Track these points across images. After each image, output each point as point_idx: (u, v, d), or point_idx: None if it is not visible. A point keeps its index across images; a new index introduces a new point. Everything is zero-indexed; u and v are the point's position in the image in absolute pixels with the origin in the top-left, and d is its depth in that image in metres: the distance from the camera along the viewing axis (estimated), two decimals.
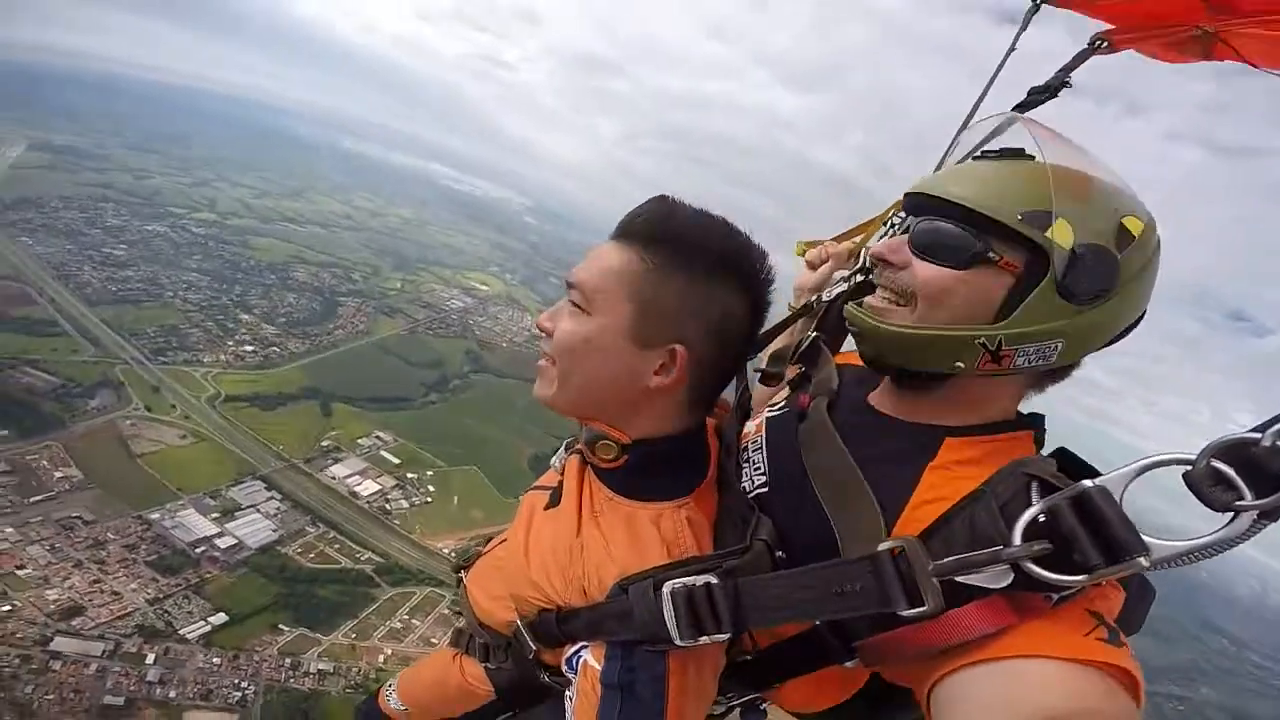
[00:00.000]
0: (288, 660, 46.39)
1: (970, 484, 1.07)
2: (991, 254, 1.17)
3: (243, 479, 62.28)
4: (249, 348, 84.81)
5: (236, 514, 57.35)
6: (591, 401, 1.36)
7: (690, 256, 1.24)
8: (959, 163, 1.46)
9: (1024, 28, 1.83)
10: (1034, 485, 0.96)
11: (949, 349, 1.22)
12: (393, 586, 56.89)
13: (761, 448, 1.56)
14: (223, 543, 53.09)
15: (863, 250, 1.84)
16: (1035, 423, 1.32)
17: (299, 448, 69.99)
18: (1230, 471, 0.77)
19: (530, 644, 1.52)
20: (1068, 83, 1.78)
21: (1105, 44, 1.80)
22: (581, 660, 1.29)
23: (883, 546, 1.01)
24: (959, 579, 0.94)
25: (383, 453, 73.99)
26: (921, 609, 0.94)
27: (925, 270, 1.24)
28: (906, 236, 1.31)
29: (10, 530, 46.85)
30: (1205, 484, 0.78)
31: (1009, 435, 1.27)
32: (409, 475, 71.79)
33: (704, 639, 1.12)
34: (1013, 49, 1.88)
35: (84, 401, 63.65)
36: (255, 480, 62.76)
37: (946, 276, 1.21)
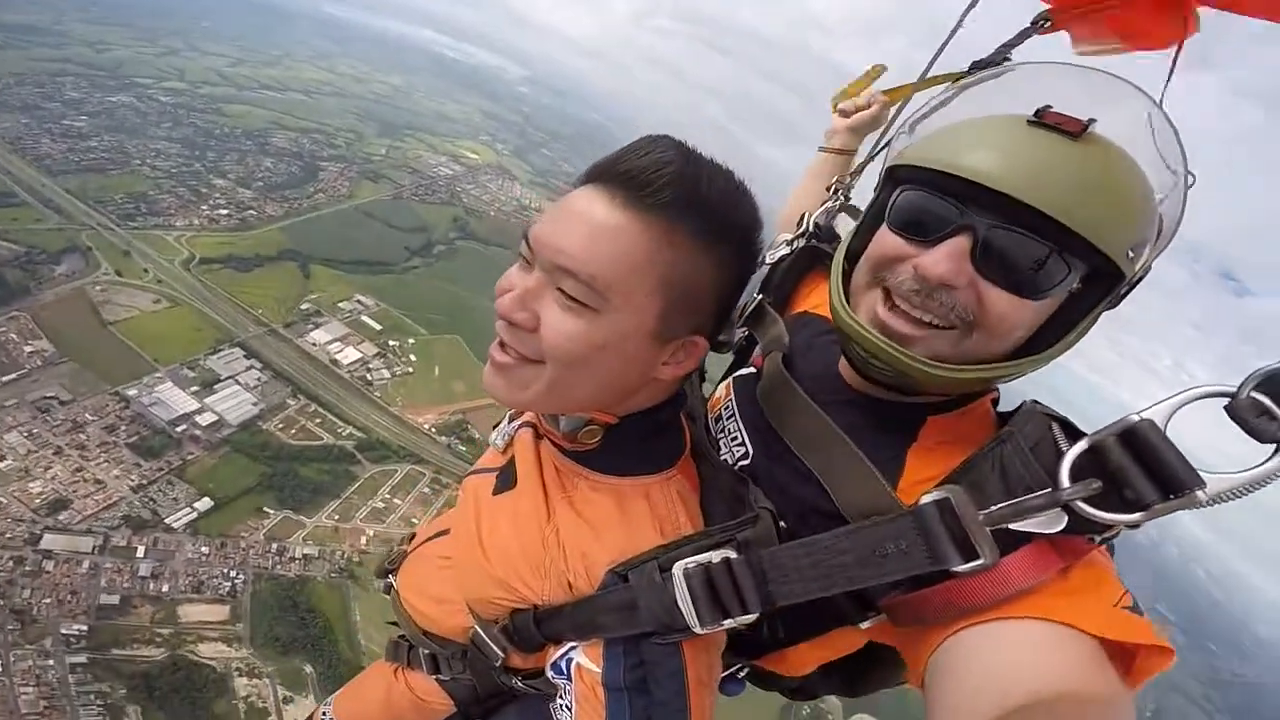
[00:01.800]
0: (274, 546, 44.49)
1: (955, 457, 0.99)
2: (1075, 285, 0.97)
3: (221, 346, 57.93)
4: (223, 211, 78.17)
5: (216, 386, 53.54)
6: (585, 404, 1.08)
7: (720, 234, 0.96)
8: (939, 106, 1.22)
9: (974, 3, 1.66)
10: (1054, 426, 0.90)
11: (989, 381, 1.06)
12: (374, 464, 54.40)
13: (735, 414, 1.38)
14: (203, 419, 49.73)
15: (806, 215, 1.70)
16: (991, 387, 1.18)
17: (278, 312, 65.24)
18: (1270, 403, 0.71)
19: (496, 651, 1.26)
20: (1008, 58, 1.55)
21: (1048, 23, 1.61)
22: (574, 664, 1.07)
23: (926, 499, 0.88)
24: (1010, 526, 0.84)
25: (364, 318, 69.46)
26: (979, 562, 0.83)
27: (1003, 303, 0.97)
28: (965, 245, 0.97)
29: None
30: (1250, 415, 0.72)
31: (976, 404, 1.16)
32: (391, 343, 67.68)
33: (727, 622, 0.94)
34: (961, 22, 1.70)
35: (50, 269, 57.95)
36: (233, 348, 58.41)
37: (1023, 310, 0.98)
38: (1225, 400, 0.74)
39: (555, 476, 1.18)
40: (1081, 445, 0.81)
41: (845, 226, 1.66)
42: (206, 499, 44.90)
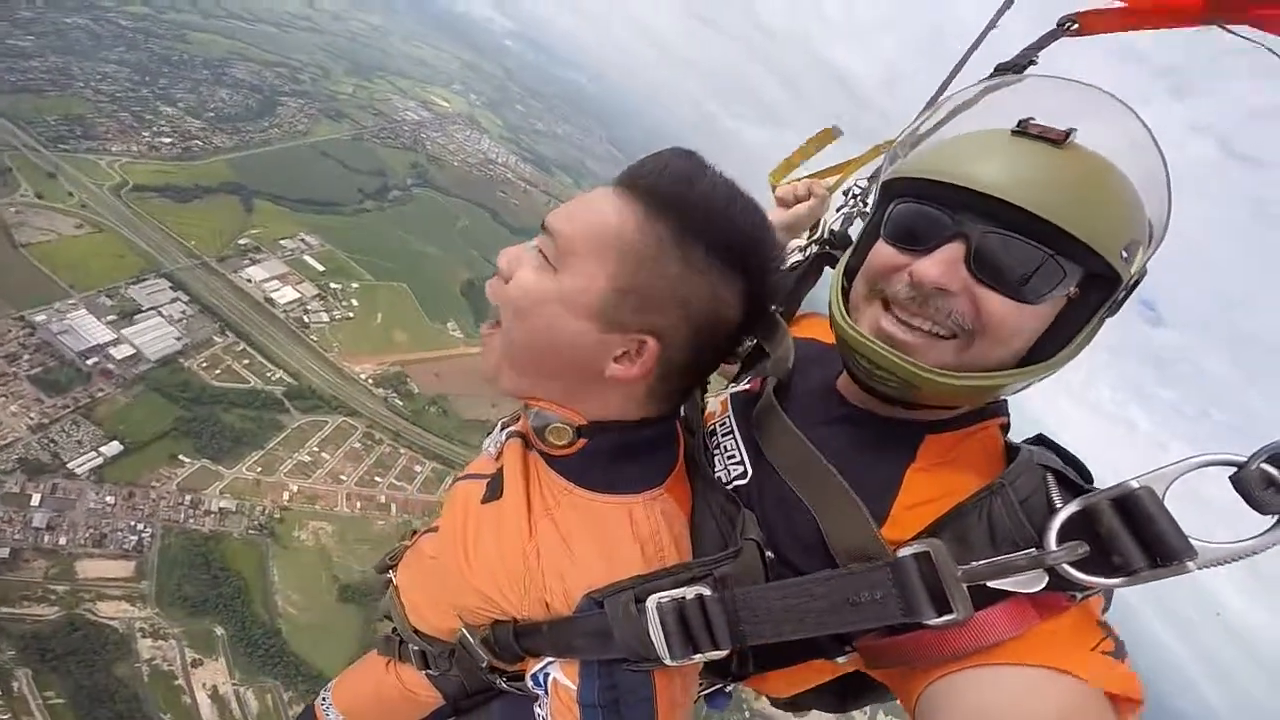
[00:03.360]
0: (187, 498, 40.38)
1: (955, 482, 0.99)
2: (1073, 288, 0.94)
3: (145, 276, 52.85)
4: (166, 139, 72.12)
5: (136, 317, 48.45)
6: (535, 373, 1.04)
7: (698, 236, 0.91)
8: (941, 121, 1.18)
9: (1007, 6, 1.60)
10: (1049, 479, 0.87)
11: (995, 389, 1.01)
12: (303, 414, 50.19)
13: (732, 430, 1.31)
14: (118, 352, 44.67)
15: (821, 221, 1.65)
16: (1002, 410, 1.13)
17: (213, 244, 60.20)
18: (1278, 474, 0.69)
19: (481, 655, 1.24)
20: (1034, 61, 1.43)
21: (1075, 25, 1.51)
22: (550, 678, 1.05)
23: (905, 552, 0.86)
24: (990, 584, 0.82)
25: (306, 257, 64.73)
26: (950, 616, 0.81)
27: (1001, 308, 0.93)
28: (959, 251, 0.95)
29: None
30: (1257, 487, 0.70)
31: (981, 425, 1.09)
32: (332, 285, 63.09)
33: (698, 657, 0.93)
34: (992, 25, 1.65)
35: None
36: (159, 278, 53.36)
37: (1022, 315, 0.94)
38: (1231, 470, 0.72)
39: (540, 490, 1.11)
40: (1073, 507, 0.79)
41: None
42: (115, 443, 40.28)
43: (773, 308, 1.37)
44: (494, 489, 1.17)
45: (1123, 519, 0.75)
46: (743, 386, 1.42)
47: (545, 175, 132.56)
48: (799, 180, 1.73)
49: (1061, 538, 0.78)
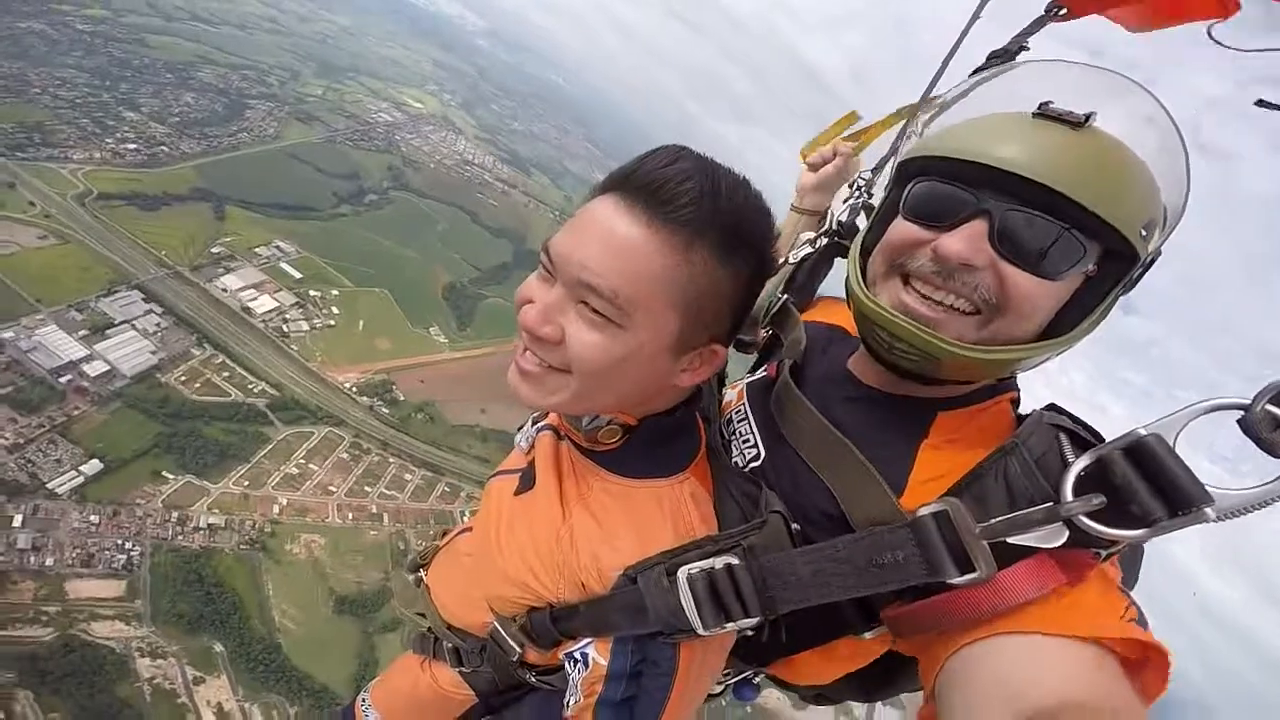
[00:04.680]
0: (174, 514, 38.87)
1: (968, 456, 0.97)
2: (1091, 265, 0.94)
3: (116, 288, 50.07)
4: (131, 146, 68.43)
5: (108, 331, 45.85)
6: (604, 403, 1.06)
7: (735, 248, 0.94)
8: (949, 102, 1.21)
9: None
10: (1062, 437, 0.87)
11: (1015, 363, 1.02)
12: (288, 425, 48.38)
13: (747, 417, 1.34)
14: (92, 369, 42.37)
15: (829, 213, 1.66)
16: (1012, 385, 1.14)
17: (185, 254, 57.36)
18: None
19: (514, 646, 1.25)
20: (1025, 47, 1.46)
21: (1062, 10, 1.51)
22: (587, 656, 1.07)
23: (924, 510, 0.85)
24: (1010, 540, 0.81)
25: (283, 265, 62.22)
26: (974, 575, 0.80)
27: (1024, 283, 0.93)
28: (982, 228, 0.95)
29: None
30: (1265, 429, 0.68)
31: (993, 401, 1.10)
32: (311, 293, 60.70)
33: (730, 625, 0.94)
34: (978, 14, 1.64)
35: None
36: (130, 290, 50.60)
37: (1044, 290, 0.94)
38: (1238, 413, 0.70)
39: (573, 478, 1.15)
40: (1085, 459, 0.78)
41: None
42: (95, 461, 38.44)
43: (785, 298, 1.47)
44: (527, 481, 1.22)
45: (1136, 468, 0.73)
46: (758, 375, 1.42)
47: (523, 175, 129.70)
48: (826, 146, 1.77)
49: (1077, 491, 0.77)
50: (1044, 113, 0.95)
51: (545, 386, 0.99)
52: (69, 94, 71.55)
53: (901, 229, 1.04)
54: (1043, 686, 0.76)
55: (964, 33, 1.62)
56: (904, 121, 1.57)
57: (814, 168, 1.78)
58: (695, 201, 0.88)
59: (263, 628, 36.79)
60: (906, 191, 1.05)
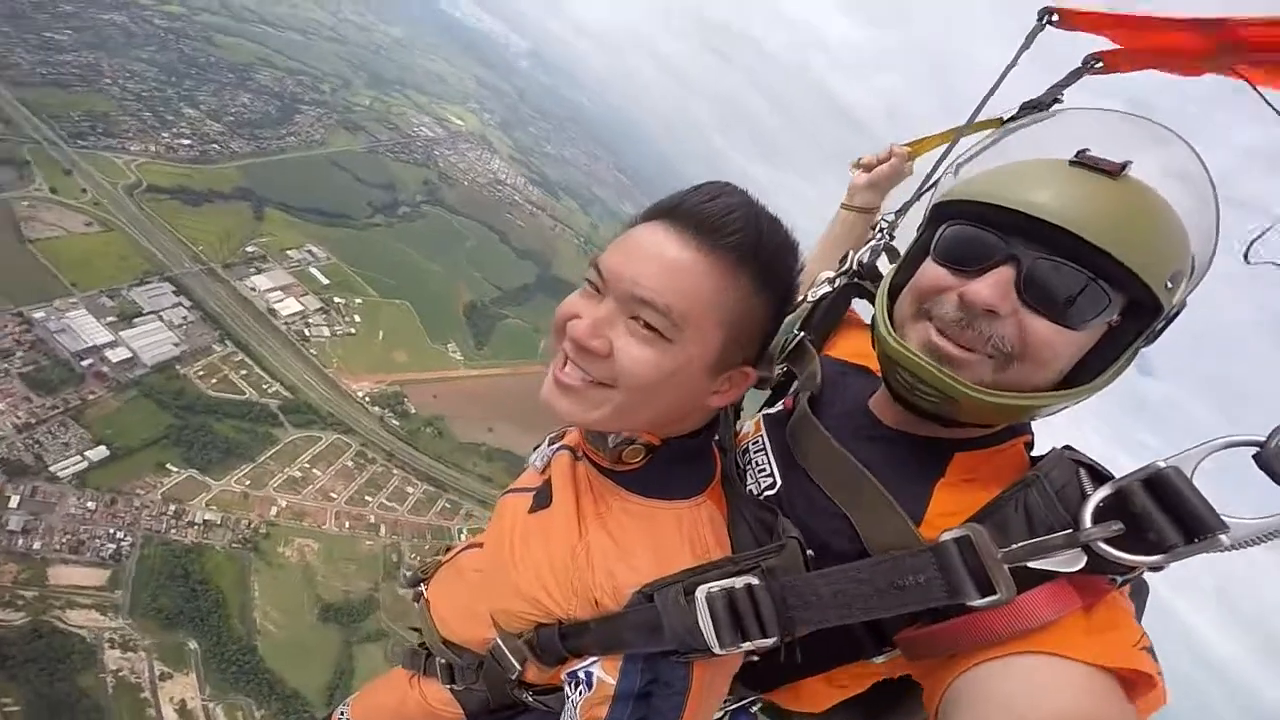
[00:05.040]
0: (171, 508, 38.83)
1: (983, 495, 0.98)
2: (1115, 316, 0.94)
3: (149, 279, 51.53)
4: (186, 141, 70.94)
5: (136, 320, 47.04)
6: (641, 420, 1.07)
7: (770, 278, 0.99)
8: (984, 149, 1.24)
9: (1027, 45, 1.59)
10: (1082, 471, 0.89)
11: (1031, 410, 1.02)
12: (297, 428, 48.92)
13: (765, 448, 1.36)
14: (115, 355, 43.23)
15: (851, 253, 1.67)
16: (1026, 429, 1.14)
17: (220, 251, 59.02)
18: None
19: (514, 664, 1.25)
20: (1059, 99, 1.46)
21: (1099, 64, 1.53)
22: (591, 675, 1.05)
23: (946, 535, 0.88)
24: (1030, 564, 0.83)
25: (312, 269, 63.67)
26: (994, 597, 0.82)
27: (1046, 332, 0.93)
28: (1009, 275, 0.95)
29: None
30: (1278, 463, 0.71)
31: (1009, 444, 1.11)
32: (336, 300, 61.92)
33: (746, 645, 0.94)
34: (1014, 63, 1.63)
35: None
36: (163, 282, 52.08)
37: (1064, 340, 0.94)
38: (1254, 449, 0.73)
39: (590, 497, 1.16)
40: (1106, 489, 0.81)
41: (887, 266, 1.62)
42: (102, 447, 38.80)
43: (802, 335, 1.49)
44: (542, 499, 1.21)
45: (1154, 498, 0.76)
46: (776, 409, 1.43)
47: (552, 199, 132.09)
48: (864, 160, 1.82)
49: (1096, 519, 0.79)
50: (1080, 160, 0.95)
51: (586, 401, 1.00)
52: (136, 87, 74.65)
53: (931, 272, 1.05)
54: (1045, 707, 0.78)
55: (1002, 75, 1.62)
56: (948, 144, 1.59)
57: (867, 168, 1.82)
58: (742, 231, 0.93)
59: (242, 628, 36.53)
60: (938, 234, 1.06)
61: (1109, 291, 0.90)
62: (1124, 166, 0.92)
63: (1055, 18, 1.54)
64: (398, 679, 1.68)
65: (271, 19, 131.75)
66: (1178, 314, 0.99)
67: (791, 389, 1.49)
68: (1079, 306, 0.91)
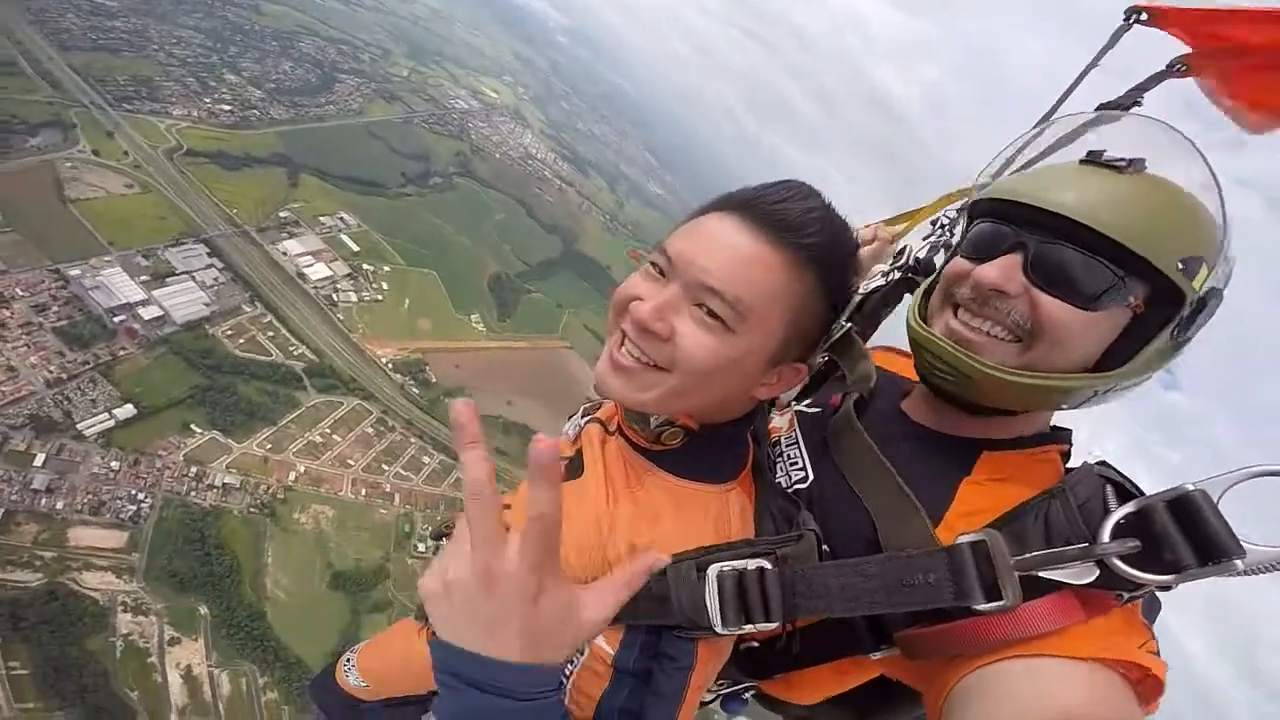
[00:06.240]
0: (193, 470, 38.40)
1: (1010, 495, 0.99)
2: (1131, 297, 0.96)
3: (184, 240, 51.20)
4: (226, 107, 70.45)
5: (169, 279, 46.80)
6: (692, 404, 1.07)
7: (835, 281, 1.01)
8: (1037, 155, 1.24)
9: (1111, 44, 1.58)
10: (1108, 488, 0.89)
11: (1058, 394, 1.03)
12: (320, 393, 48.26)
13: (797, 442, 1.36)
14: (147, 312, 42.99)
15: (906, 245, 1.68)
16: (1064, 438, 1.14)
17: (254, 215, 58.43)
18: None
19: None
20: (1139, 102, 1.48)
21: (1184, 68, 1.51)
22: (592, 641, 1.05)
23: (963, 539, 0.89)
24: (1041, 574, 0.84)
25: (343, 235, 62.86)
26: (1000, 603, 0.83)
27: (1056, 310, 0.98)
28: (1017, 259, 1.02)
29: None
30: None
31: (1042, 450, 1.10)
32: (365, 266, 61.09)
33: (748, 628, 0.94)
34: (1095, 64, 1.64)
35: (24, 139, 50.57)
36: (198, 244, 51.74)
37: (1079, 319, 0.97)
38: None
39: (622, 470, 1.14)
40: (1129, 507, 0.81)
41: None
42: (129, 406, 38.50)
43: (849, 325, 1.40)
44: (575, 469, 1.19)
45: (1176, 520, 0.76)
46: (810, 409, 1.44)
47: (581, 175, 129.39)
48: (868, 225, 1.77)
49: (1115, 536, 0.79)
50: (1090, 160, 1.01)
51: (640, 382, 0.99)
52: (182, 52, 74.35)
53: (956, 264, 1.10)
54: (1047, 702, 0.78)
55: (1080, 76, 1.60)
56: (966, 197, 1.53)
57: None
58: (819, 233, 0.94)
59: (252, 594, 36.11)
60: (965, 234, 1.14)
61: (1113, 269, 0.93)
62: (1132, 164, 0.97)
63: (1144, 16, 1.48)
64: (404, 631, 1.64)
65: None
66: (1210, 306, 0.97)
67: (828, 384, 1.49)
68: (1085, 284, 0.95)
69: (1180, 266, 0.92)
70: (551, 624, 0.73)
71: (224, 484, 39.28)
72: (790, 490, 1.22)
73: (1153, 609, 1.04)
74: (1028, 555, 0.83)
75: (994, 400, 1.06)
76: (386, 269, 62.94)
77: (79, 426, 36.36)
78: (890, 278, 1.56)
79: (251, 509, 39.18)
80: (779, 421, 1.43)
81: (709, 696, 1.36)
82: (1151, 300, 0.94)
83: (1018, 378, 0.99)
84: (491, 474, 0.71)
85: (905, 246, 1.62)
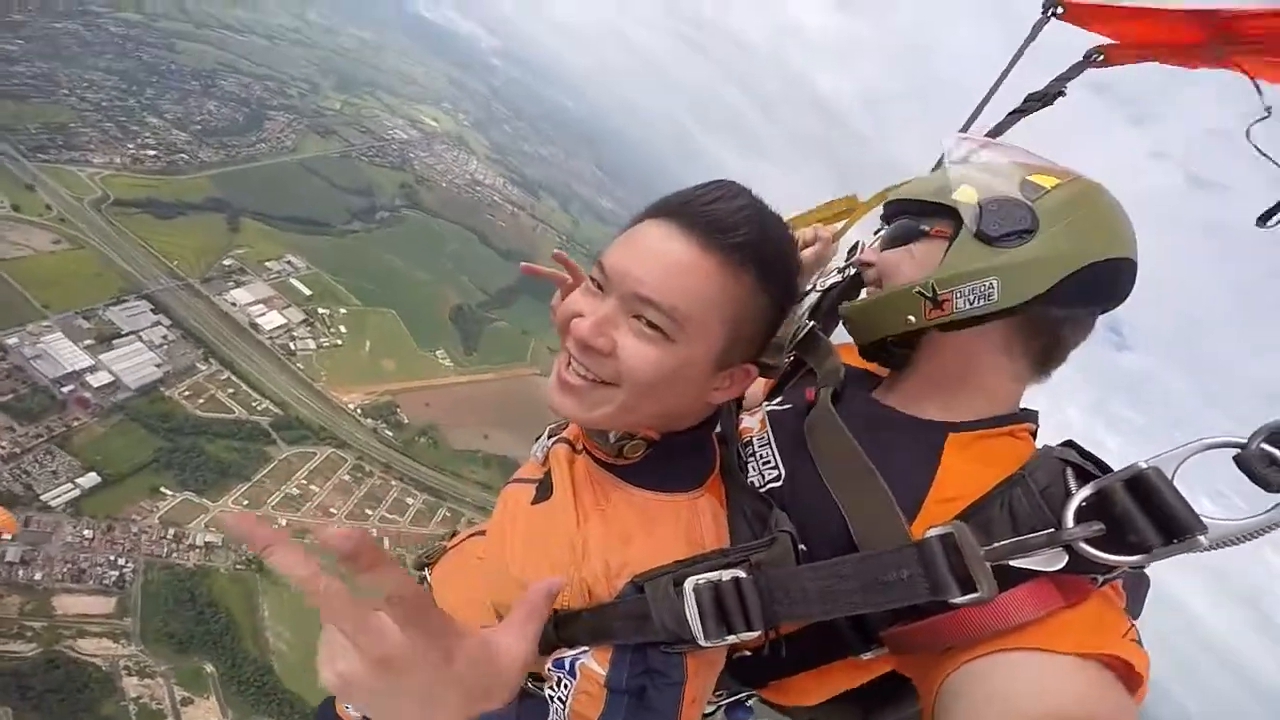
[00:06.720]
0: (170, 531, 37.14)
1: (984, 476, 1.00)
2: (924, 227, 1.20)
3: (125, 297, 48.49)
4: (151, 152, 67.01)
5: (115, 341, 44.16)
6: (643, 417, 1.07)
7: (773, 276, 0.99)
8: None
9: (1033, 37, 1.65)
10: (1068, 471, 0.89)
11: (899, 307, 1.19)
12: (291, 445, 46.70)
13: (769, 442, 1.36)
14: (96, 380, 40.68)
15: (858, 241, 1.74)
16: (1031, 417, 1.17)
17: (196, 265, 55.81)
18: (1278, 453, 0.73)
19: None
20: (1063, 92, 1.62)
21: (1101, 57, 1.61)
22: (580, 664, 1.02)
23: (931, 533, 0.89)
24: (1012, 563, 0.84)
25: (293, 280, 60.63)
26: (976, 595, 0.83)
27: (887, 255, 1.27)
28: (883, 229, 1.36)
29: None
30: (1259, 465, 0.72)
31: (1009, 429, 1.13)
32: (320, 310, 59.12)
33: (731, 638, 0.93)
34: (1018, 57, 1.70)
35: None
36: (140, 300, 48.99)
37: (897, 254, 1.24)
38: (1234, 450, 0.74)
39: (589, 489, 1.13)
40: (1088, 489, 0.82)
41: None
42: (93, 474, 36.67)
43: (812, 324, 1.51)
44: (544, 490, 1.20)
45: (1135, 499, 0.77)
46: (780, 407, 1.46)
47: (532, 198, 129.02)
48: (807, 225, 1.79)
49: (1079, 519, 0.80)
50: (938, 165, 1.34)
51: (589, 400, 0.99)
52: (95, 96, 70.29)
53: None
54: (1034, 698, 0.78)
55: (1005, 71, 1.67)
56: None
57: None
58: (749, 230, 0.93)
59: (255, 649, 35.11)
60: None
61: (910, 217, 1.24)
62: (938, 164, 1.40)
63: (1060, 10, 1.56)
64: None
65: (234, 23, 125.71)
66: (997, 210, 1.10)
67: (797, 379, 1.52)
68: (899, 231, 1.26)
69: (954, 200, 1.14)
70: (475, 677, 0.71)
71: (205, 543, 37.85)
72: (764, 490, 1.24)
73: (1141, 586, 1.11)
74: (996, 545, 0.84)
75: (872, 330, 1.28)
76: (343, 311, 61.17)
77: (43, 498, 34.49)
78: (846, 274, 1.65)
79: (238, 565, 37.85)
80: (750, 422, 1.46)
81: (710, 708, 1.37)
82: (952, 225, 1.15)
83: (862, 302, 1.30)
84: (314, 567, 0.61)
85: (858, 242, 1.70)
